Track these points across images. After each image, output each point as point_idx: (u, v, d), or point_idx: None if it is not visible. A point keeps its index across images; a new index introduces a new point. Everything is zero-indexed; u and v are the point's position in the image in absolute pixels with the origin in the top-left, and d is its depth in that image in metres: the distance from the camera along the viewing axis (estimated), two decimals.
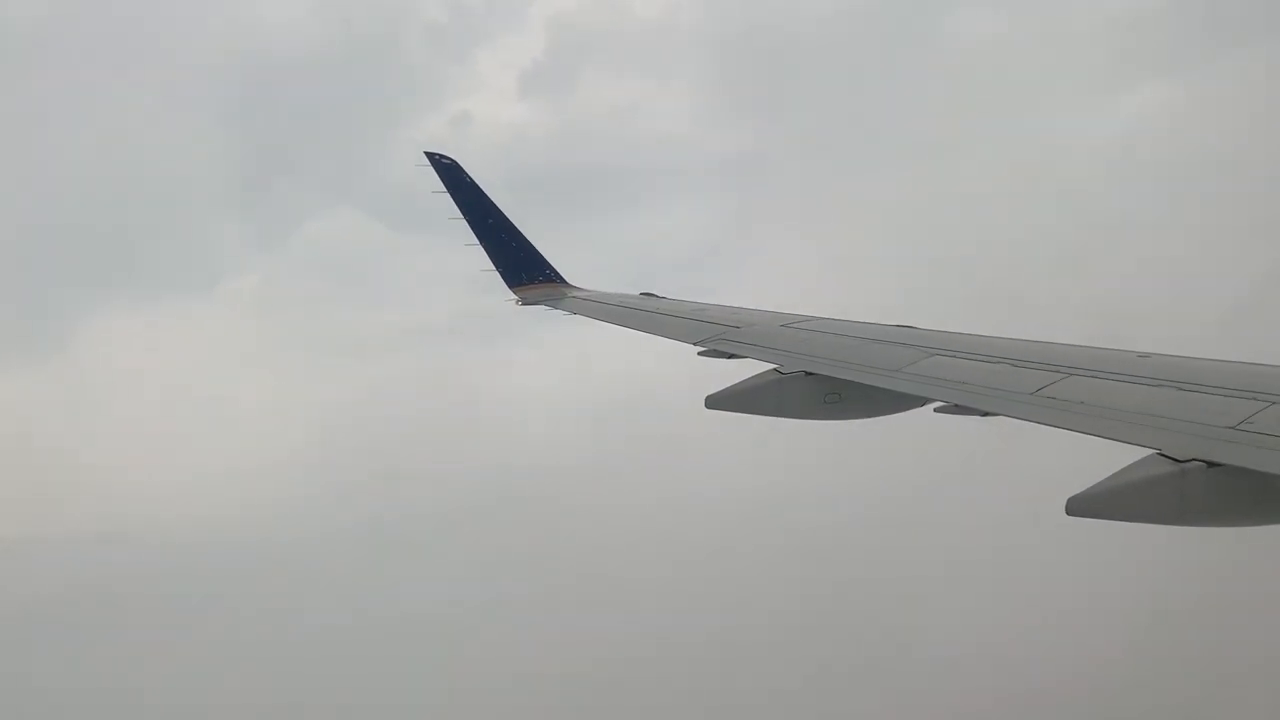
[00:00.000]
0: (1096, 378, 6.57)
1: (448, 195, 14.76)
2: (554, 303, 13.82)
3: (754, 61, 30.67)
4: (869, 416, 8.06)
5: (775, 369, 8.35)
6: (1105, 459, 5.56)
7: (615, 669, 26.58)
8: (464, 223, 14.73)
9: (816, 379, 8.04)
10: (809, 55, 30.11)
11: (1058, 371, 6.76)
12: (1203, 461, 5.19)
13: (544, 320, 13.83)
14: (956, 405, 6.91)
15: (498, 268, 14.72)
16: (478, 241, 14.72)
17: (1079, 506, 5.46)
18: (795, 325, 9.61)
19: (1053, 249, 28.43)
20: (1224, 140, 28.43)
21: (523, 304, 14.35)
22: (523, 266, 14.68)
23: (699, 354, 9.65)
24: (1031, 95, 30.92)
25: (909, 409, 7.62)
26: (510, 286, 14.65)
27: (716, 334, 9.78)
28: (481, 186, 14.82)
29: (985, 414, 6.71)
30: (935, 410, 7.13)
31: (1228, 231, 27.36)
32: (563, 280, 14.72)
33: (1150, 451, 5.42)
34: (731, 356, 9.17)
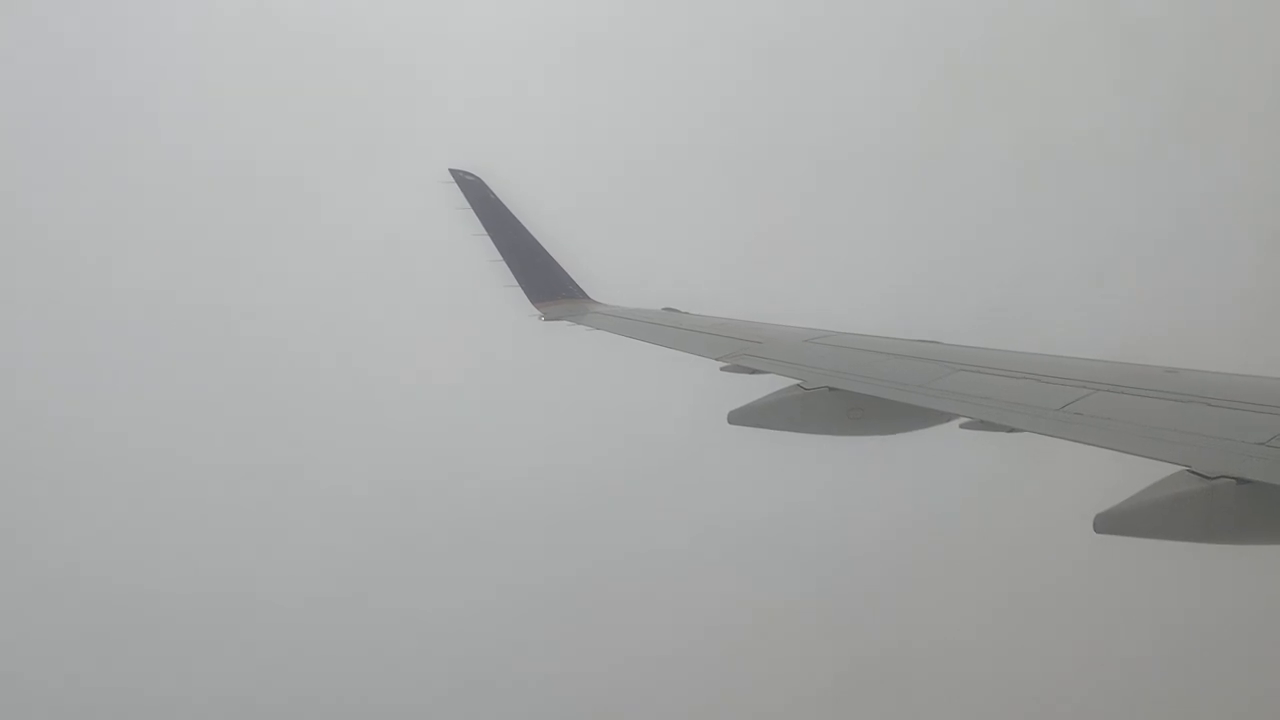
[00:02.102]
0: (1123, 393, 6.52)
1: (471, 212, 14.96)
2: (577, 318, 13.90)
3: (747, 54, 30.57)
4: (893, 432, 8.03)
5: (798, 384, 8.33)
6: (1133, 475, 5.51)
7: (625, 679, 26.54)
8: (488, 239, 14.90)
9: (840, 394, 8.01)
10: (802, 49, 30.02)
11: (1084, 387, 6.71)
12: (1232, 478, 5.13)
13: (567, 336, 13.90)
14: (982, 421, 6.87)
15: (521, 284, 14.85)
16: (501, 258, 14.88)
17: (1107, 524, 5.41)
18: (818, 340, 9.59)
19: (1073, 259, 28.21)
20: (1242, 142, 28.08)
21: (546, 319, 14.45)
22: (546, 282, 14.80)
23: (721, 369, 9.64)
24: (1038, 95, 30.67)
25: (934, 425, 7.60)
26: (534, 302, 14.77)
27: (739, 349, 9.77)
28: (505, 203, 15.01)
29: (1011, 430, 6.66)
30: (961, 426, 7.10)
31: (1254, 240, 27.05)
32: (586, 296, 14.83)
33: (1179, 468, 5.37)
34: (754, 372, 9.16)
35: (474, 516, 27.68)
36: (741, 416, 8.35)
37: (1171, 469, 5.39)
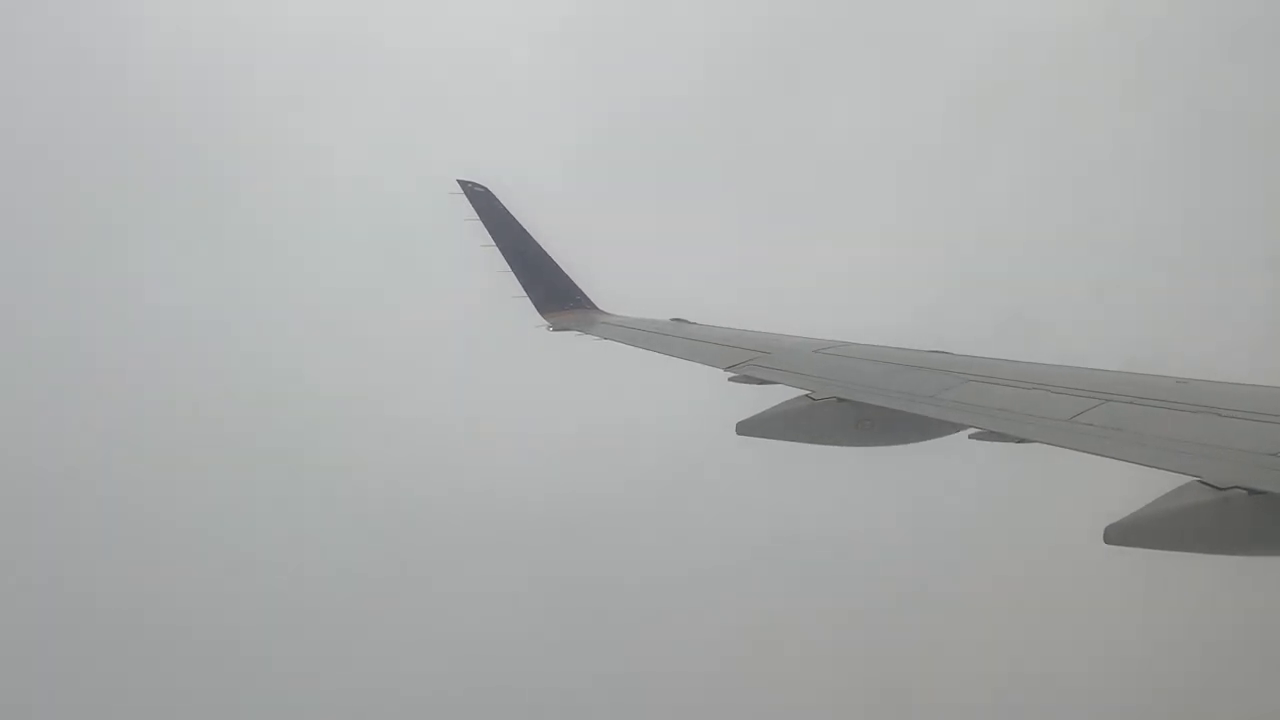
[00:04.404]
0: (1134, 404, 6.47)
1: (480, 223, 15.00)
2: (585, 328, 13.92)
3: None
4: (902, 443, 7.99)
5: (807, 395, 8.30)
6: (1144, 487, 5.48)
7: (633, 688, 26.47)
8: (496, 249, 14.94)
9: (849, 405, 7.98)
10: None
11: (1094, 398, 6.67)
12: (1244, 489, 5.09)
13: (575, 346, 13.90)
14: (991, 432, 6.84)
15: (529, 294, 14.88)
16: (510, 268, 14.92)
17: (1118, 535, 5.39)
18: (827, 351, 9.56)
19: (1084, 270, 28.14)
20: (1252, 154, 28.00)
21: (554, 330, 14.46)
22: (554, 293, 14.84)
23: (730, 380, 9.61)
24: (1051, 107, 30.67)
25: (943, 435, 7.57)
26: (542, 313, 14.80)
27: (747, 359, 9.73)
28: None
29: (1021, 440, 6.62)
30: (970, 437, 7.06)
31: (1265, 251, 26.94)
32: (594, 306, 14.85)
33: (1190, 479, 5.33)
34: (763, 382, 9.13)
35: (481, 526, 27.68)
36: (750, 427, 8.32)
37: (1183, 480, 5.36)
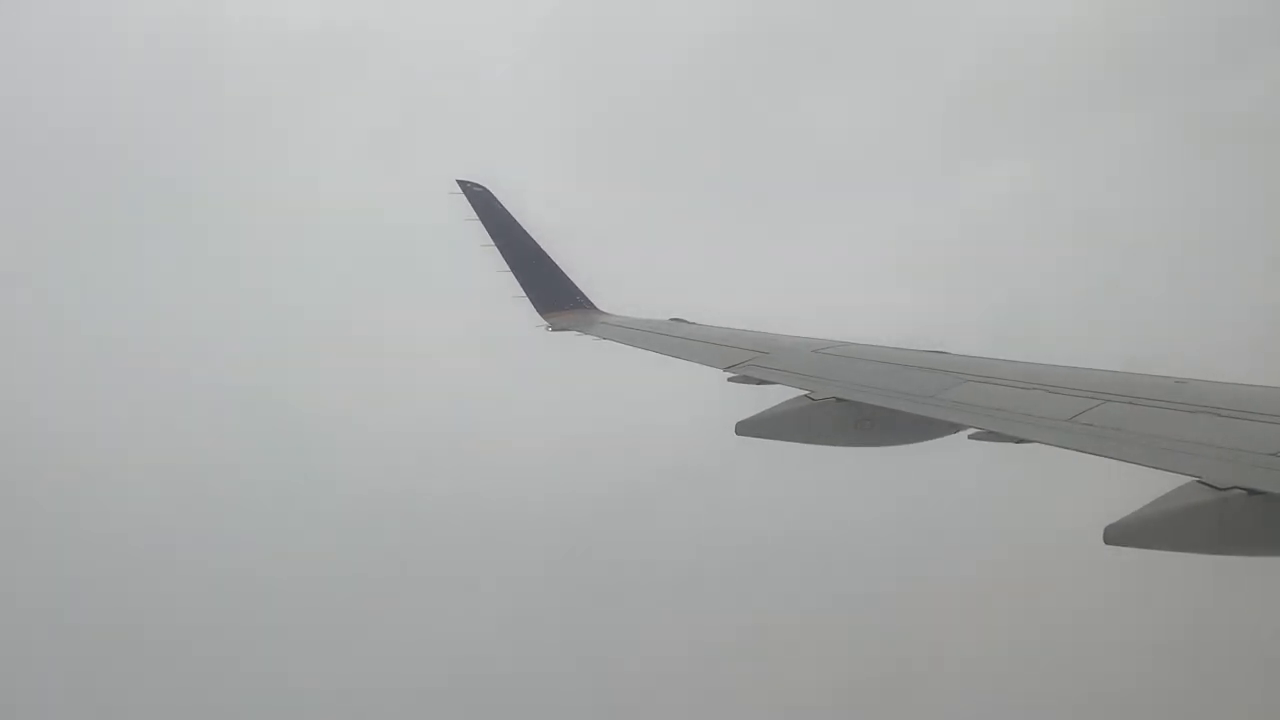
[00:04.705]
0: (1133, 404, 6.46)
1: (479, 223, 15.00)
2: (584, 329, 13.91)
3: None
4: (901, 443, 7.98)
5: (806, 395, 8.29)
6: (1143, 487, 5.47)
7: (631, 688, 26.45)
8: (495, 249, 14.93)
9: (848, 405, 7.96)
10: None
11: (1093, 398, 6.65)
12: (1244, 490, 5.08)
13: (574, 346, 13.90)
14: (990, 432, 6.82)
15: (529, 294, 14.87)
16: (509, 268, 14.91)
17: (1117, 535, 5.38)
18: (826, 351, 9.54)
19: (1083, 270, 28.16)
20: (1251, 156, 28.00)
21: (554, 330, 14.45)
22: (553, 293, 14.83)
23: (729, 380, 9.60)
24: (1048, 108, 30.66)
25: (942, 436, 7.56)
26: (541, 313, 14.79)
27: (746, 359, 9.72)
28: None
29: (1020, 441, 6.61)
30: (969, 437, 7.04)
31: (1263, 252, 26.96)
32: (593, 306, 14.85)
33: (1189, 479, 5.32)
34: (761, 382, 9.11)
35: (480, 526, 27.65)
36: (749, 427, 8.31)
37: (1182, 480, 5.35)
